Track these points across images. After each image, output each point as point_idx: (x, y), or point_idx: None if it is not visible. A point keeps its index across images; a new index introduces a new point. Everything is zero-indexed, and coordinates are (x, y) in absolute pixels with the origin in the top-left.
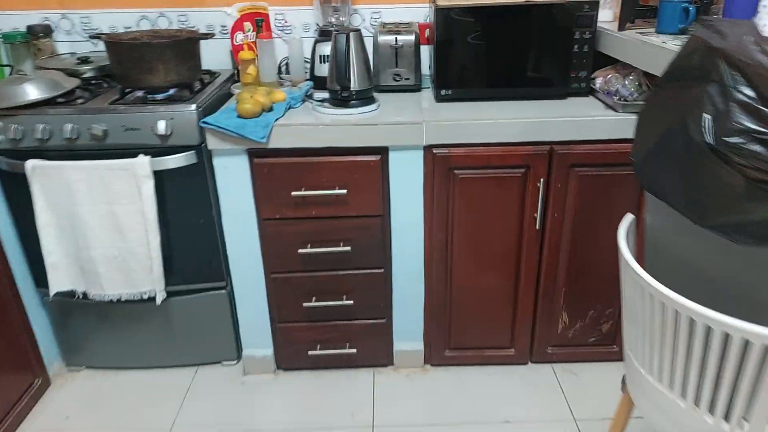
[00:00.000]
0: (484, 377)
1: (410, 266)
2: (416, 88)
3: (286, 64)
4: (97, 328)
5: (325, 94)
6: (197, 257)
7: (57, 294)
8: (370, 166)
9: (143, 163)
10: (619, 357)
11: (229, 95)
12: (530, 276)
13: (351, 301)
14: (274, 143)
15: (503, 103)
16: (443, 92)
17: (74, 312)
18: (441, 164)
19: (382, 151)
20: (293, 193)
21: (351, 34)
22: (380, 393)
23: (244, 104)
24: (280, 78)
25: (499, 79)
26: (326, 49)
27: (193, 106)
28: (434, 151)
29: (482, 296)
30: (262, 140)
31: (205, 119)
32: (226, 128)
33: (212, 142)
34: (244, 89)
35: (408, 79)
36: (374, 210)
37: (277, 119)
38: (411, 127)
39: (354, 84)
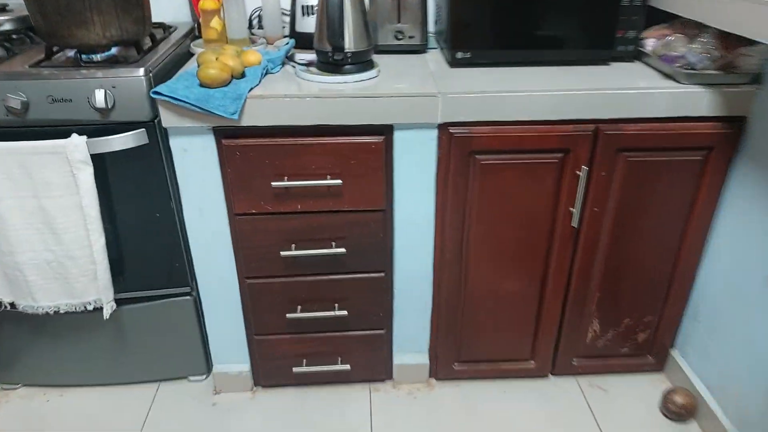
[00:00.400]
0: (499, 394)
1: (416, 269)
2: (421, 49)
3: (259, 16)
4: (35, 339)
5: (312, 56)
6: (155, 258)
7: None
8: (371, 149)
9: (78, 144)
10: (654, 368)
11: (189, 55)
12: (560, 279)
13: (344, 311)
14: (248, 120)
15: (533, 70)
16: (459, 55)
17: (5, 321)
18: (459, 147)
19: (386, 131)
20: (273, 183)
21: None
22: (378, 414)
23: (208, 69)
24: (252, 34)
25: (529, 39)
26: None
27: (141, 71)
28: (451, 131)
29: (501, 302)
30: (232, 116)
31: (157, 88)
32: (185, 101)
33: (167, 118)
34: (207, 48)
35: (412, 37)
36: (374, 203)
37: (251, 89)
38: (423, 100)
39: (349, 44)
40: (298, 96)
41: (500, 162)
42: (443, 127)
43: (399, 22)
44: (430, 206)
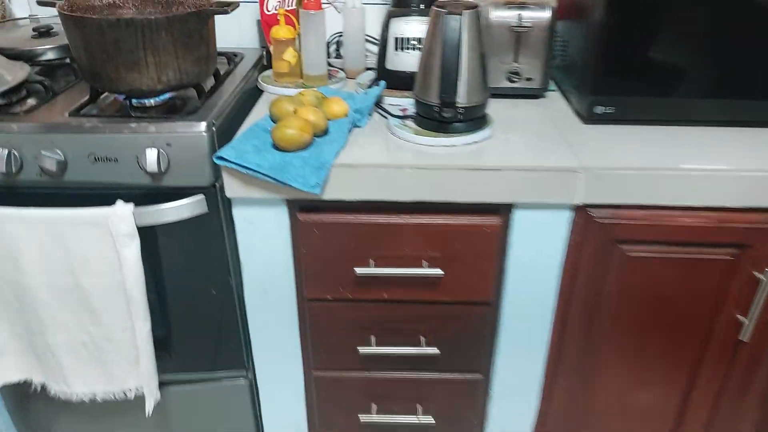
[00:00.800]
0: None
1: (522, 373)
2: (539, 93)
3: (337, 42)
4: (69, 410)
5: (404, 101)
6: (208, 339)
7: (6, 385)
8: (483, 232)
9: (123, 215)
10: None
11: (257, 92)
12: (707, 395)
13: (429, 417)
14: (331, 192)
15: (695, 132)
16: (600, 109)
17: (36, 393)
18: (600, 234)
19: (503, 210)
20: (358, 269)
21: (466, 14)
22: None
23: (285, 129)
24: (329, 65)
25: (694, 90)
26: (405, 29)
27: (203, 126)
28: (591, 214)
29: (629, 416)
30: (313, 190)
31: (221, 152)
32: (257, 170)
33: (232, 188)
34: (277, 82)
35: (530, 79)
36: (481, 295)
37: (337, 152)
38: (558, 176)
39: (463, 97)
40: (396, 167)
41: (652, 255)
42: (581, 209)
43: (516, 61)
44: (550, 301)
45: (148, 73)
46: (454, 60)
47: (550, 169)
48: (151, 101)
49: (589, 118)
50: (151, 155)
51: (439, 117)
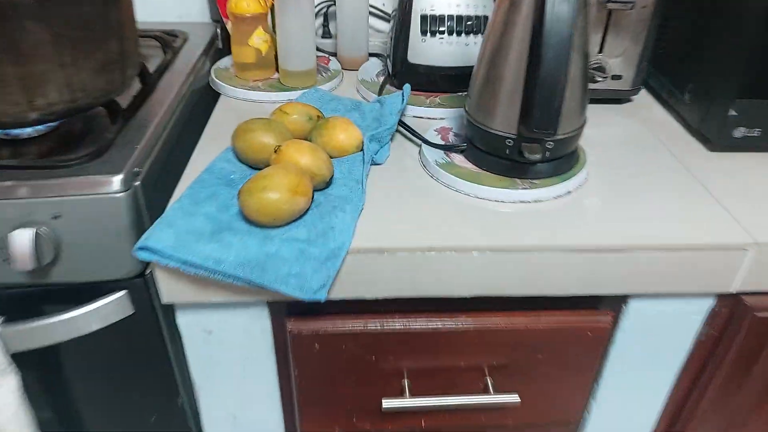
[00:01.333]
0: None
1: None
2: (626, 97)
3: (324, 16)
4: None
5: (435, 113)
6: None
7: None
8: (586, 336)
9: None
10: None
11: (212, 94)
12: None
13: None
14: (343, 289)
15: None
16: (741, 131)
17: None
18: (753, 329)
19: (612, 303)
20: (385, 402)
21: None
22: None
23: (265, 192)
24: (318, 50)
25: None
26: (436, 1)
27: (118, 181)
28: (747, 303)
29: None
30: (316, 297)
31: (148, 241)
32: (213, 268)
33: (172, 291)
34: (246, 98)
35: (618, 77)
36: (562, 416)
37: (354, 225)
38: (715, 256)
39: (561, 124)
40: (454, 249)
41: None
42: (729, 298)
43: (601, 50)
44: (652, 416)
45: (8, 95)
46: (561, 70)
47: (702, 247)
48: (29, 131)
49: (721, 142)
50: (19, 241)
51: (517, 156)
